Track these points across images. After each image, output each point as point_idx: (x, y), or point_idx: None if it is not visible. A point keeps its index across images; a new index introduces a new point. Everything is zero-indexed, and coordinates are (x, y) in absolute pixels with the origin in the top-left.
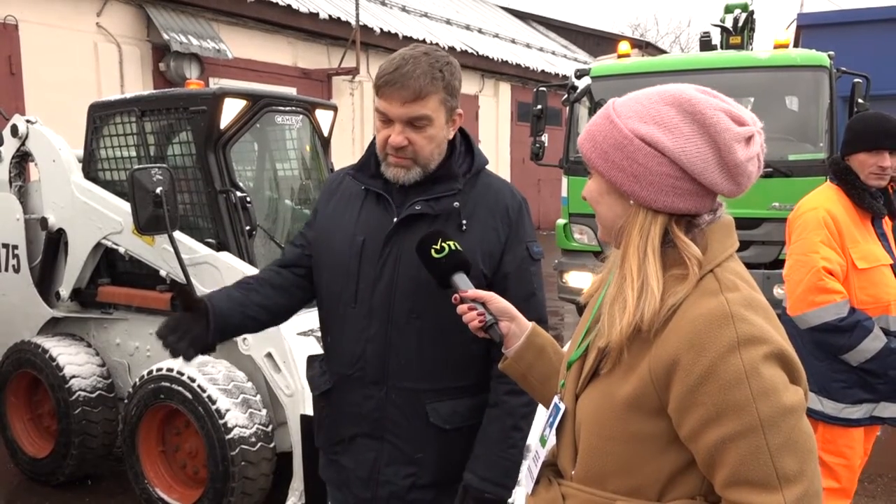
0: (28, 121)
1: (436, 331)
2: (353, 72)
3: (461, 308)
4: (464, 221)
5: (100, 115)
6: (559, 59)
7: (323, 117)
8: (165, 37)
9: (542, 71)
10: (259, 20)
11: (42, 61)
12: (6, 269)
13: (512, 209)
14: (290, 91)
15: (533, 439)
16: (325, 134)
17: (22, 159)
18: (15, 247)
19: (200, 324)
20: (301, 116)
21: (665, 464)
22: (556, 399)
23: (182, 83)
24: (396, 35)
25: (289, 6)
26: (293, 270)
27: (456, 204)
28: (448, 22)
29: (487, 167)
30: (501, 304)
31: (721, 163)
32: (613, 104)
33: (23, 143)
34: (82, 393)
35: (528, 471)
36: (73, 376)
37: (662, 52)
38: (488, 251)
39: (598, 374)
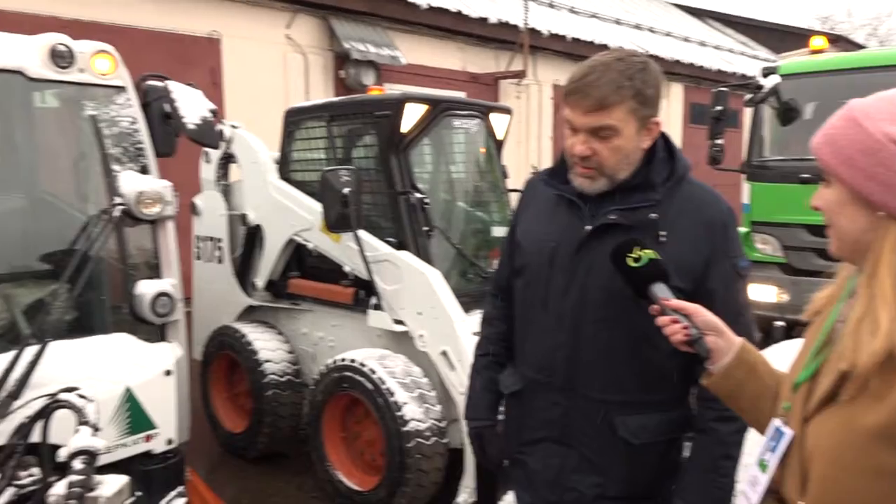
0: (233, 126)
1: (626, 342)
2: (520, 75)
3: (662, 320)
4: (662, 233)
5: (294, 120)
6: (737, 58)
7: (497, 121)
8: (346, 46)
9: (719, 70)
10: (431, 27)
11: (239, 72)
12: (211, 260)
13: (717, 221)
14: (460, 95)
15: (750, 460)
16: (500, 137)
17: (227, 161)
18: (219, 240)
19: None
20: (477, 120)
21: None
22: (777, 423)
23: (360, 89)
24: (564, 37)
25: (459, 12)
26: (509, 293)
27: (653, 215)
28: (618, 22)
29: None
30: (707, 318)
31: None
32: (857, 105)
33: (228, 147)
34: (273, 377)
35: (744, 495)
36: (267, 360)
37: (858, 46)
38: (687, 265)
39: (836, 399)
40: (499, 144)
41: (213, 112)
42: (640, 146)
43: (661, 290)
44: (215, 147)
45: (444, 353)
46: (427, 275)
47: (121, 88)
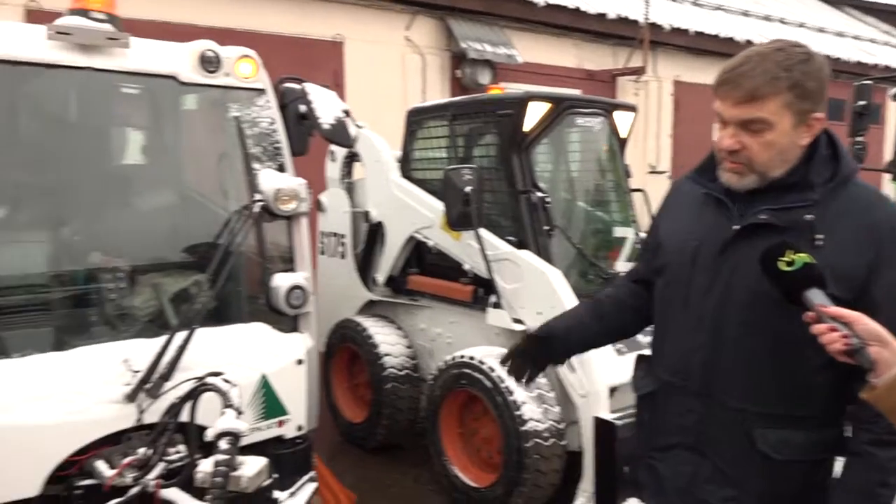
0: (358, 126)
1: (770, 349)
2: (640, 71)
3: (819, 327)
4: (819, 236)
5: (416, 120)
6: (880, 48)
7: (621, 118)
8: (463, 45)
9: (858, 62)
10: (548, 24)
11: (360, 73)
12: (335, 255)
13: (884, 225)
14: (576, 93)
15: None
16: (623, 136)
17: (351, 159)
18: (342, 236)
19: (540, 349)
20: (601, 118)
21: None
22: None
23: (476, 88)
24: (686, 31)
25: (577, 8)
26: (643, 285)
27: (809, 217)
28: (745, 13)
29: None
30: (871, 327)
31: None
32: None
33: (353, 146)
34: (392, 370)
35: None
36: (386, 354)
37: None
38: (847, 272)
39: None
40: (622, 143)
41: (346, 112)
42: (797, 143)
43: (816, 297)
44: (348, 146)
45: None
46: (548, 274)
47: (261, 91)
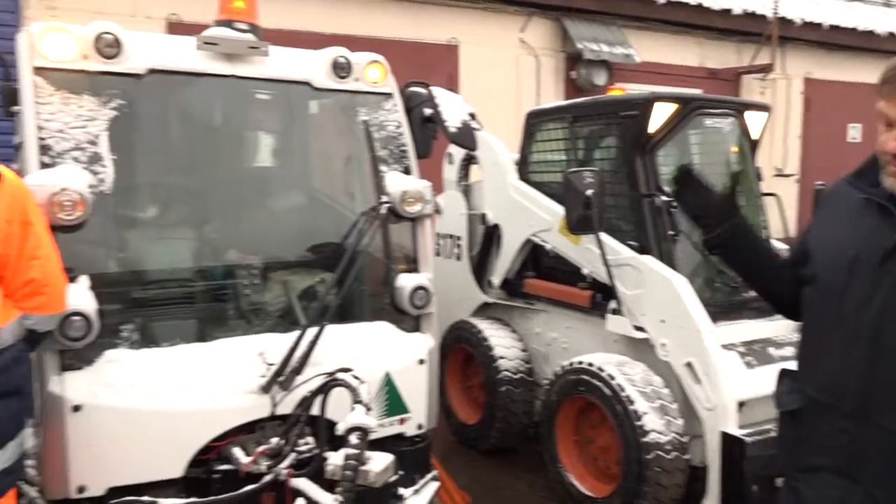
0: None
1: None
2: (767, 69)
3: None
4: None
5: (535, 122)
6: None
7: (752, 119)
8: (579, 46)
9: None
10: (667, 22)
11: (474, 76)
12: (450, 257)
13: None
14: (696, 92)
15: None
16: (755, 137)
17: (468, 162)
18: (458, 238)
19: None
20: (731, 119)
21: None
22: None
23: (591, 90)
24: (820, 25)
25: (699, 5)
26: (786, 270)
27: None
28: (887, 4)
29: None
30: None
31: None
32: None
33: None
34: (507, 373)
35: None
36: (501, 357)
37: None
38: None
39: None
40: (753, 145)
41: (472, 116)
42: None
43: None
44: (474, 149)
45: (689, 365)
46: (673, 281)
47: (388, 95)
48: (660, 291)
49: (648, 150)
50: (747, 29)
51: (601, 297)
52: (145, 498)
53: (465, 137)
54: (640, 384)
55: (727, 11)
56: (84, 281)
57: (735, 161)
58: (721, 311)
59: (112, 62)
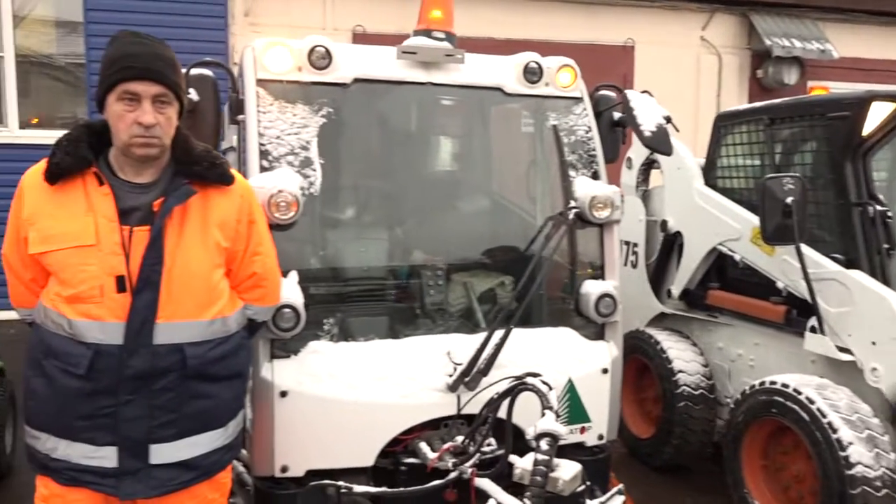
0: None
1: None
2: None
3: None
4: None
5: (725, 125)
6: None
7: None
8: (767, 42)
9: None
10: (872, 13)
11: (650, 77)
12: (625, 264)
13: None
14: None
15: None
16: None
17: (648, 167)
18: (635, 244)
19: None
20: None
21: None
22: None
23: (780, 89)
24: None
25: None
26: None
27: None
28: None
29: None
30: None
31: None
32: None
33: (652, 152)
34: (686, 388)
35: None
36: (680, 371)
37: None
38: None
39: None
40: None
41: (668, 119)
42: None
43: None
44: (669, 153)
45: None
46: (889, 300)
47: (578, 99)
48: (872, 310)
49: (861, 155)
50: None
51: (797, 314)
52: (341, 483)
53: (661, 142)
54: (845, 411)
55: None
56: (293, 276)
57: None
58: None
59: (323, 73)
